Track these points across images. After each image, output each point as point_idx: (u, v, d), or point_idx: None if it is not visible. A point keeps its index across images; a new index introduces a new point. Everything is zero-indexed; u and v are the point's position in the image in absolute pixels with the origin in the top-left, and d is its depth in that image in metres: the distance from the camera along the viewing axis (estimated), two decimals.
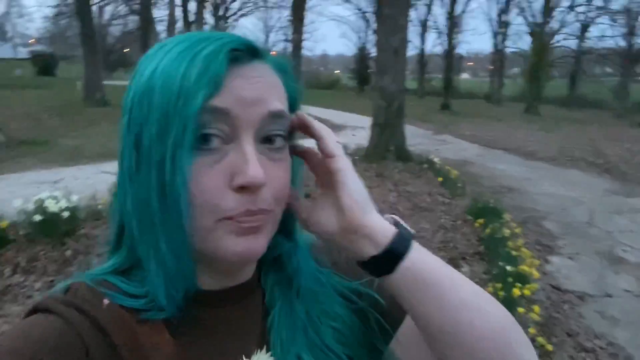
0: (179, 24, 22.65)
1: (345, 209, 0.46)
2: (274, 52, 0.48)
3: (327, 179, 0.48)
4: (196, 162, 0.40)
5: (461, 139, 12.10)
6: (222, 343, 0.47)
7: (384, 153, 7.56)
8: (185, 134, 0.39)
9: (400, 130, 7.93)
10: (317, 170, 0.50)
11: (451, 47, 25.98)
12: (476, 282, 2.18)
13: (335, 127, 13.16)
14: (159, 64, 0.41)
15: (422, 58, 31.34)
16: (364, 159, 7.44)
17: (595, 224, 5.26)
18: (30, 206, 3.49)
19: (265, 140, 0.44)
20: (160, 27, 25.79)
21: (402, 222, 0.48)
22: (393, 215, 0.49)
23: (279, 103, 0.44)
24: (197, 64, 0.40)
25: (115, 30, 36.46)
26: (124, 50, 38.96)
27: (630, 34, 23.61)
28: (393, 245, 0.45)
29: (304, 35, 15.81)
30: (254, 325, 0.50)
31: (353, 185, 0.46)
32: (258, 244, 0.43)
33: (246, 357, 0.46)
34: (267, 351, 0.47)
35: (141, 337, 0.42)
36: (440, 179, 6.35)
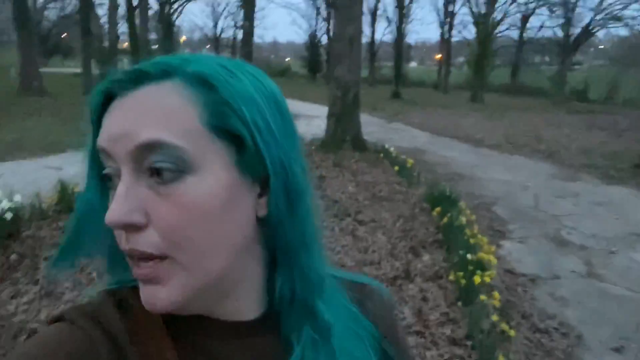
0: (122, 9, 21.59)
1: None
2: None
3: None
4: (107, 202, 0.42)
5: (412, 127, 12.36)
6: None
7: (340, 143, 7.60)
8: (87, 174, 0.44)
9: (356, 120, 7.98)
10: None
11: (400, 36, 26.36)
12: (437, 270, 2.24)
13: None
14: None
15: (372, 47, 31.64)
16: (320, 149, 7.44)
17: (541, 208, 5.54)
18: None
19: (154, 172, 0.38)
20: (102, 11, 24.53)
21: None
22: None
23: (153, 131, 0.38)
24: (91, 104, 0.43)
25: (51, 14, 34.31)
26: (62, 36, 36.77)
27: (567, 24, 24.82)
28: None
29: (254, 22, 15.48)
30: None
31: None
32: (162, 294, 0.39)
33: None
34: None
35: (152, 354, 0.42)
36: (396, 168, 6.46)
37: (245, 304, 0.47)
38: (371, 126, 10.86)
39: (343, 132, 7.72)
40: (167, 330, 0.43)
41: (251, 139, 0.40)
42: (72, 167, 5.72)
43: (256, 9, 16.18)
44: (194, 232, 0.39)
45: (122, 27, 23.90)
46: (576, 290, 3.48)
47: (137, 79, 0.40)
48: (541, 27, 28.29)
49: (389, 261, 3.57)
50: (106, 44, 20.55)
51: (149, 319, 0.43)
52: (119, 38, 23.68)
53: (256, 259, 0.46)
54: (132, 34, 19.76)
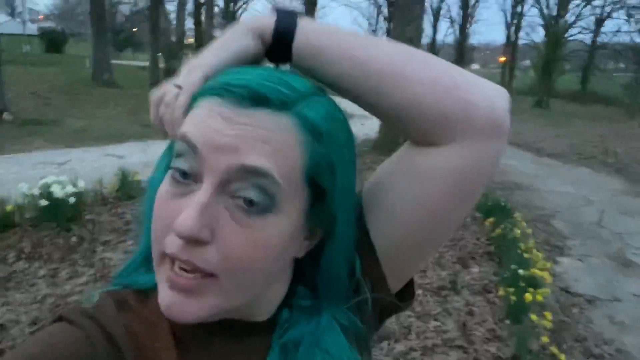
0: (189, 5, 22.43)
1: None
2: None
3: None
4: (167, 189, 0.40)
5: None
6: None
7: (394, 145, 7.45)
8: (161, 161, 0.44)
9: None
10: None
11: (463, 37, 25.64)
12: (486, 284, 2.10)
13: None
14: None
15: (433, 47, 31.01)
16: (372, 150, 7.37)
17: (605, 225, 5.19)
18: (36, 190, 3.46)
19: (233, 194, 0.38)
20: (171, 7, 25.56)
21: (284, 7, 0.46)
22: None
23: (264, 160, 0.37)
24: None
25: (125, 9, 36.21)
26: (133, 30, 38.72)
27: None
28: (281, 15, 0.45)
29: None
30: None
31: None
32: (188, 308, 0.39)
33: None
34: None
35: (151, 355, 0.42)
36: None
37: (259, 312, 0.48)
38: None
39: (396, 134, 7.59)
40: (170, 329, 0.44)
41: (332, 197, 0.42)
42: (133, 156, 6.01)
43: (318, 7, 16.30)
44: (251, 265, 0.39)
45: (189, 23, 24.79)
46: (638, 315, 3.23)
47: (257, 101, 0.38)
48: (617, 31, 26.53)
49: (435, 270, 3.47)
50: (173, 39, 21.41)
51: (150, 320, 0.44)
52: (185, 34, 24.63)
53: (283, 282, 0.48)
54: (198, 30, 20.49)
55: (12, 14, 47.26)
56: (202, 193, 0.37)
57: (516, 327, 2.68)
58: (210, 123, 0.38)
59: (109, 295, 0.46)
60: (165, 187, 0.40)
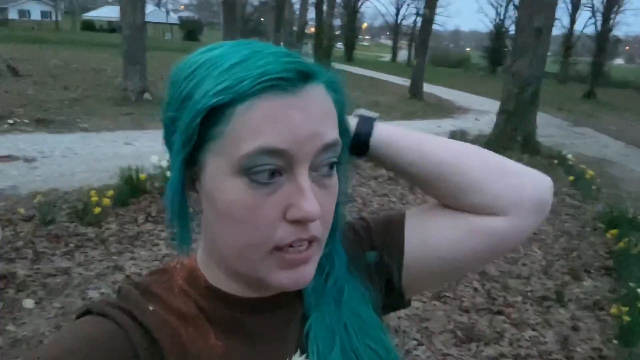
0: None
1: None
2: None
3: None
4: (252, 194, 0.40)
5: (604, 133, 10.78)
6: (263, 348, 0.48)
7: (508, 142, 7.02)
8: (184, 128, 0.41)
9: (531, 119, 7.27)
10: None
11: (606, 28, 22.92)
12: (597, 300, 1.97)
13: (458, 110, 12.55)
14: (198, 81, 0.41)
15: (568, 39, 28.18)
16: (485, 146, 6.98)
17: None
18: (164, 163, 3.88)
19: (318, 168, 0.43)
20: None
21: (364, 112, 0.57)
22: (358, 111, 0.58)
23: (333, 131, 0.43)
24: (226, 82, 0.40)
25: (254, 0, 38.36)
26: (261, 20, 40.89)
27: None
28: (361, 120, 0.55)
29: (437, 10, 15.06)
30: (293, 331, 0.50)
31: None
32: (307, 273, 0.44)
33: None
34: (302, 354, 0.49)
35: (187, 343, 0.44)
36: (571, 178, 5.74)
37: None
38: (551, 128, 9.80)
39: (513, 132, 7.12)
40: (201, 313, 0.46)
41: (345, 139, 0.48)
42: None
43: None
44: (331, 216, 0.46)
45: (311, 13, 25.51)
46: None
47: (305, 78, 0.41)
48: None
49: (540, 279, 3.24)
50: (295, 28, 22.22)
51: (178, 308, 0.45)
52: (307, 23, 25.39)
53: None
54: (319, 20, 21.00)
55: (158, 4, 52.71)
56: (304, 179, 0.41)
57: (627, 349, 2.41)
58: (286, 121, 0.40)
59: (133, 286, 0.47)
60: (244, 195, 0.40)
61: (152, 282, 0.48)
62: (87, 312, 0.44)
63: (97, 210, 3.34)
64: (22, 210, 3.35)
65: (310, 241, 0.43)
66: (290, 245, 0.42)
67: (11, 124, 6.13)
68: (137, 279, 0.49)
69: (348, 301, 0.52)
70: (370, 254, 0.57)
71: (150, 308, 0.44)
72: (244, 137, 0.39)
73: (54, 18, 46.07)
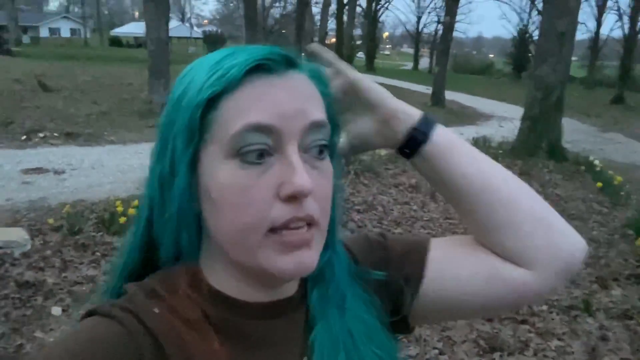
0: (333, 6, 23.25)
1: (375, 102, 0.54)
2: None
3: (350, 99, 0.55)
4: (243, 175, 0.41)
5: (634, 139, 10.47)
6: (267, 354, 0.47)
7: (533, 149, 6.90)
8: (185, 126, 0.42)
9: (557, 125, 7.13)
10: (342, 97, 0.54)
11: (634, 31, 22.37)
12: (627, 310, 1.92)
13: (481, 117, 12.39)
14: (189, 83, 0.43)
15: (595, 43, 27.60)
16: (508, 154, 6.89)
17: None
18: None
19: (308, 149, 0.43)
20: (316, 9, 26.79)
21: (429, 114, 0.56)
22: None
23: (320, 112, 0.44)
24: (218, 72, 0.42)
25: (275, 12, 38.91)
26: (282, 32, 41.39)
27: None
28: (423, 117, 0.54)
29: (458, 17, 14.98)
30: (297, 339, 0.49)
31: (372, 85, 0.55)
32: (308, 258, 0.43)
33: None
34: None
35: (191, 347, 0.43)
36: (599, 184, 5.59)
37: (292, 282, 0.51)
38: (578, 134, 9.59)
39: (538, 138, 6.99)
40: (205, 317, 0.45)
41: (335, 126, 0.49)
42: None
43: (462, 3, 15.63)
44: (329, 199, 0.46)
45: (332, 24, 25.72)
46: None
47: (288, 63, 0.44)
48: None
49: (567, 287, 3.15)
50: (316, 39, 22.43)
51: (182, 310, 0.45)
52: (327, 34, 25.60)
53: None
54: (339, 30, 21.15)
55: (182, 19, 53.98)
56: (293, 155, 0.41)
57: None
58: (271, 98, 0.41)
59: (138, 287, 0.46)
60: (236, 177, 0.41)
61: (156, 284, 0.47)
62: (92, 313, 0.44)
63: (123, 219, 3.42)
64: (51, 221, 3.46)
65: (309, 224, 0.43)
66: (287, 228, 0.42)
67: (42, 138, 6.35)
68: (142, 281, 0.48)
69: (351, 307, 0.52)
70: (377, 273, 0.56)
71: (156, 311, 0.44)
72: (233, 119, 0.41)
73: (82, 35, 47.66)
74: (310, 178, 0.41)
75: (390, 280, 0.56)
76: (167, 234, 0.47)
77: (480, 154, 0.55)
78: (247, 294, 0.47)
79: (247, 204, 0.41)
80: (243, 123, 0.40)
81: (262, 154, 0.41)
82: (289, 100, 0.42)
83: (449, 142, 0.53)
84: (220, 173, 0.42)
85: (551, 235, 0.52)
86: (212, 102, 0.41)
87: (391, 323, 0.56)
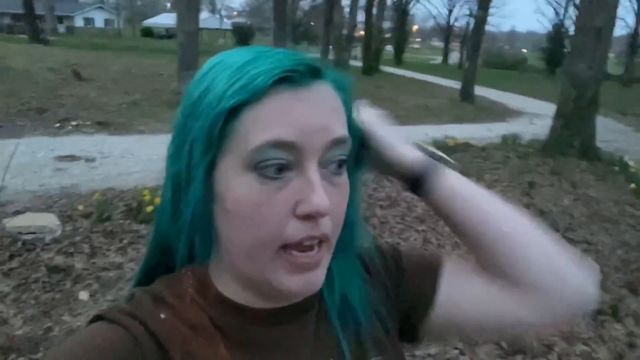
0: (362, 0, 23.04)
1: (380, 150, 0.54)
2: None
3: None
4: (261, 190, 0.40)
5: None
6: None
7: (565, 148, 6.70)
8: (205, 134, 0.41)
9: (591, 124, 6.91)
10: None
11: None
12: None
13: (511, 113, 12.12)
14: (209, 85, 0.42)
15: (634, 39, 26.58)
16: (539, 152, 6.72)
17: None
18: None
19: (327, 165, 0.42)
20: (345, 2, 26.60)
21: (437, 152, 0.58)
22: (433, 150, 0.59)
23: (342, 128, 0.43)
24: (241, 80, 0.40)
25: (304, 4, 38.85)
26: (311, 24, 41.31)
27: None
28: (424, 169, 0.54)
29: (491, 10, 14.64)
30: (306, 345, 0.49)
31: (381, 130, 0.55)
32: (316, 279, 0.43)
33: None
34: None
35: (197, 353, 0.43)
36: (633, 185, 5.41)
37: None
38: (613, 133, 9.26)
39: (570, 136, 6.78)
40: (212, 323, 0.45)
41: (356, 136, 0.49)
42: None
43: None
44: (342, 215, 0.45)
45: (362, 16, 25.50)
46: None
47: (314, 74, 0.42)
48: None
49: None
50: (345, 31, 22.27)
51: (189, 317, 0.44)
52: (356, 26, 25.38)
53: None
54: (368, 23, 20.96)
55: (213, 10, 54.52)
56: (314, 173, 0.40)
57: None
58: (295, 114, 0.40)
59: (144, 292, 0.46)
60: (253, 190, 0.40)
61: (163, 289, 0.46)
62: (98, 318, 0.44)
63: (149, 208, 3.49)
64: (81, 207, 3.56)
65: (321, 241, 0.42)
66: (301, 250, 0.41)
67: (74, 126, 6.53)
68: (149, 286, 0.48)
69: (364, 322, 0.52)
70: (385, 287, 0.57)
71: (162, 316, 0.44)
72: (253, 131, 0.39)
73: (116, 25, 48.65)
74: (328, 196, 0.40)
75: (401, 295, 0.57)
76: (181, 239, 0.46)
77: (485, 198, 0.55)
78: (257, 301, 0.47)
79: (262, 220, 0.40)
80: (265, 138, 0.39)
81: (281, 169, 0.40)
82: (313, 115, 0.40)
83: (450, 190, 0.54)
84: (237, 185, 0.41)
85: (556, 285, 0.52)
86: (233, 111, 0.40)
87: (400, 330, 0.57)
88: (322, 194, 0.40)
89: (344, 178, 0.44)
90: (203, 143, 0.41)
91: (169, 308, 0.45)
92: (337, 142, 0.42)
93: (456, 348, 2.39)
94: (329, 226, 0.42)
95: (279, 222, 0.40)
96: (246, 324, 0.46)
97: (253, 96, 0.40)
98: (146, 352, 0.41)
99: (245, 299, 0.47)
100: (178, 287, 0.47)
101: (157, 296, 0.46)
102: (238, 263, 0.44)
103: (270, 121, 0.39)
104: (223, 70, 0.42)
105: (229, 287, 0.47)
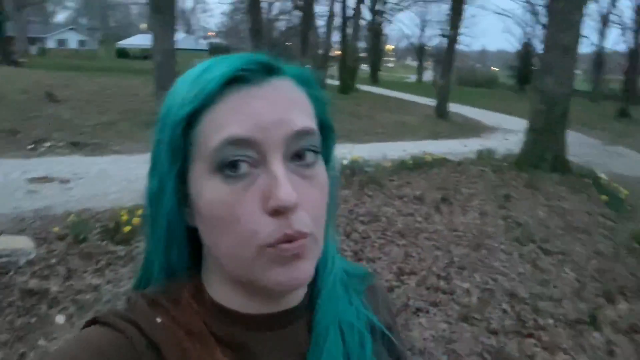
0: (338, 19, 23.44)
1: None
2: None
3: None
4: (228, 190, 0.40)
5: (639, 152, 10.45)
6: None
7: (538, 162, 6.88)
8: (169, 144, 0.42)
9: (561, 138, 7.12)
10: None
11: (637, 44, 22.43)
12: (634, 324, 1.92)
13: (485, 129, 12.40)
14: (171, 98, 0.44)
15: (599, 57, 27.68)
16: (513, 166, 6.87)
17: None
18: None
19: (296, 156, 0.42)
20: (321, 22, 27.02)
21: None
22: None
23: (306, 119, 0.43)
24: (196, 87, 0.42)
25: (281, 25, 39.26)
26: (287, 44, 41.72)
27: None
28: None
29: (461, 30, 15.07)
30: (296, 352, 0.48)
31: None
32: (302, 271, 0.42)
33: None
34: None
35: (192, 357, 0.42)
36: (604, 197, 5.58)
37: (297, 292, 0.50)
38: (583, 147, 9.56)
39: (543, 151, 6.97)
40: (208, 330, 0.45)
41: (330, 129, 0.49)
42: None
43: (467, 16, 15.72)
44: (323, 207, 0.44)
45: (336, 37, 25.90)
46: None
47: (269, 71, 0.42)
48: None
49: (573, 301, 3.13)
50: (321, 51, 22.55)
51: (185, 322, 0.44)
52: (332, 46, 25.74)
53: None
54: (343, 43, 21.30)
55: (188, 31, 54.60)
56: (277, 167, 0.40)
57: None
58: (249, 110, 0.40)
59: (141, 296, 0.46)
60: (221, 192, 0.40)
61: (160, 294, 0.47)
62: (94, 321, 0.44)
63: (127, 229, 3.43)
64: (56, 229, 3.47)
65: (301, 237, 0.41)
66: (276, 245, 0.41)
67: (48, 147, 6.39)
68: (145, 290, 0.48)
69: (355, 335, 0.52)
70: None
71: (158, 320, 0.44)
72: (211, 133, 0.40)
73: (90, 47, 48.19)
74: (298, 189, 0.40)
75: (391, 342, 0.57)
76: (158, 251, 0.47)
77: None
78: (249, 306, 0.47)
79: (235, 220, 0.40)
80: (221, 137, 0.40)
81: (246, 167, 0.40)
82: (268, 110, 0.41)
83: None
84: (206, 189, 0.41)
85: None
86: (193, 118, 0.41)
87: None
88: (288, 187, 0.39)
89: (318, 170, 0.44)
90: (170, 153, 0.43)
91: (165, 313, 0.45)
92: (301, 134, 0.42)
93: None
94: (305, 221, 0.41)
95: (252, 221, 0.40)
96: (242, 329, 0.46)
97: (208, 100, 0.41)
98: (142, 356, 0.41)
99: (237, 304, 0.47)
100: (174, 292, 0.47)
101: (153, 301, 0.45)
102: (225, 266, 0.44)
103: (226, 120, 0.40)
104: (183, 82, 0.44)
105: (221, 294, 0.47)
